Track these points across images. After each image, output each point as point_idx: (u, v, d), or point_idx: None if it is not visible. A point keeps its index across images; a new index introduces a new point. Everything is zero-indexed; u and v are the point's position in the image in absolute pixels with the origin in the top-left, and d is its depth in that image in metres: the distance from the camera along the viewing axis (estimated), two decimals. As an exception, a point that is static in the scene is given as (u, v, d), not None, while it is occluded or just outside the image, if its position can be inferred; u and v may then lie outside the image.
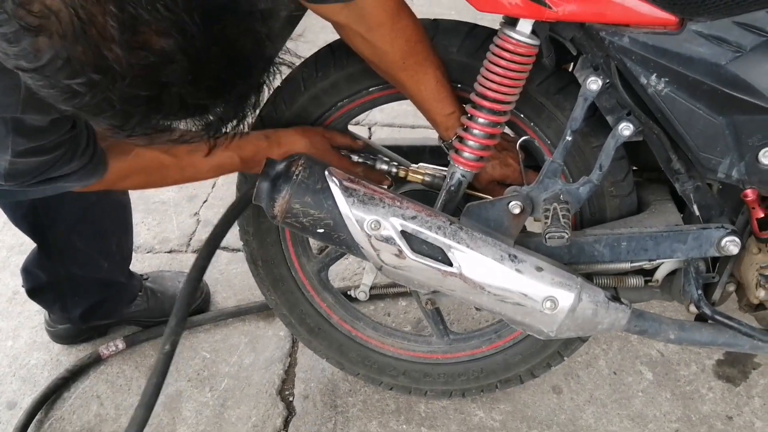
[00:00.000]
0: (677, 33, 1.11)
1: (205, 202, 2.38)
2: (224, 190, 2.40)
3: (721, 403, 1.72)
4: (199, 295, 2.03)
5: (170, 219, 2.32)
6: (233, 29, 0.77)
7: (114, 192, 1.72)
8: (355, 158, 1.44)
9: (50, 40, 0.70)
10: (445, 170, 1.35)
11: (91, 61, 0.72)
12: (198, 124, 0.87)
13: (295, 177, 1.20)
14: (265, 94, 0.93)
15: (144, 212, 2.33)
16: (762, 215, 1.23)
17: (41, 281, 1.82)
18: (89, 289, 1.84)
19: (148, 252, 2.22)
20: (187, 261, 2.17)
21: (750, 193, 1.20)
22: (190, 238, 2.26)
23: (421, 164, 1.47)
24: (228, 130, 0.90)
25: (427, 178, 1.42)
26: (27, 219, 1.68)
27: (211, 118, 0.86)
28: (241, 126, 0.91)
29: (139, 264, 2.14)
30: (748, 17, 1.09)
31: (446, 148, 1.37)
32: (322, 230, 1.22)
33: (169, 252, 2.22)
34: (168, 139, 0.90)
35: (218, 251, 2.15)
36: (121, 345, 1.91)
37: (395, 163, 1.44)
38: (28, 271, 1.83)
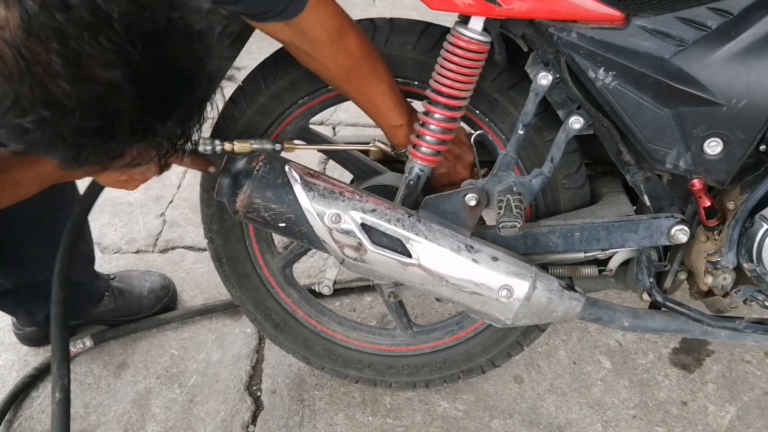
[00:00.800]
0: (623, 28, 1.15)
1: (170, 202, 2.39)
2: (189, 191, 2.41)
3: (676, 390, 1.77)
4: (165, 293, 2.04)
5: (137, 220, 2.32)
6: (174, 51, 0.79)
7: (67, 198, 1.73)
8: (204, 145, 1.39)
9: None
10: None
11: (40, 98, 0.72)
12: (148, 147, 0.88)
13: (255, 172, 1.22)
14: (211, 110, 0.95)
15: (111, 214, 2.33)
16: (709, 204, 1.27)
17: (2, 289, 1.82)
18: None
19: (115, 253, 2.22)
20: (153, 260, 2.18)
21: (697, 183, 1.24)
22: (157, 238, 2.26)
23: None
24: (177, 148, 0.92)
25: (256, 145, 1.38)
26: None
27: (160, 139, 0.87)
28: (188, 143, 0.93)
29: (106, 264, 2.15)
30: (689, 12, 1.13)
31: (397, 156, 1.41)
32: (283, 224, 1.24)
33: (136, 252, 2.23)
34: (121, 164, 0.90)
35: (185, 251, 2.19)
36: (88, 343, 1.91)
37: (218, 141, 1.37)
38: None
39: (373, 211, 1.24)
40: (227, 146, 1.36)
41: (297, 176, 1.23)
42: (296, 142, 1.45)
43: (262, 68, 1.42)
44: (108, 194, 2.33)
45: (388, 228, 1.24)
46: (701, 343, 1.86)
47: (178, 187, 2.45)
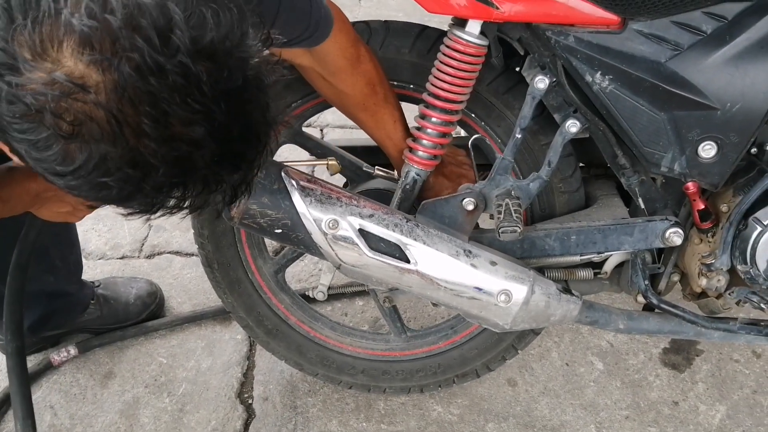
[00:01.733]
0: (620, 32, 1.16)
1: (157, 207, 2.36)
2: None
3: (667, 390, 1.78)
4: (152, 300, 2.02)
5: (121, 225, 2.28)
6: (248, 107, 0.80)
7: None
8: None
9: (83, 144, 0.71)
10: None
11: (127, 158, 0.73)
12: (213, 196, 0.89)
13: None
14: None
15: (94, 219, 2.29)
16: (702, 207, 1.28)
17: None
18: (37, 302, 1.81)
19: (99, 258, 2.19)
20: (139, 266, 2.15)
21: (691, 186, 1.25)
22: (142, 243, 2.23)
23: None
24: (239, 196, 0.93)
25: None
26: None
27: (226, 188, 0.87)
28: (248, 190, 0.94)
29: (91, 271, 2.12)
30: (685, 17, 1.14)
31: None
32: (279, 231, 1.23)
33: (122, 258, 2.19)
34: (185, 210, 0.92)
35: (172, 256, 2.16)
36: (73, 351, 1.88)
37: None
38: None
39: (371, 216, 1.23)
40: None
41: (293, 182, 1.22)
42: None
43: None
44: (91, 200, 2.32)
45: (386, 233, 1.23)
46: (691, 343, 1.88)
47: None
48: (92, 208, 1.40)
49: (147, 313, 2.01)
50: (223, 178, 0.83)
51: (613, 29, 1.16)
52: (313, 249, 1.25)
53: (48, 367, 1.88)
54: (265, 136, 0.89)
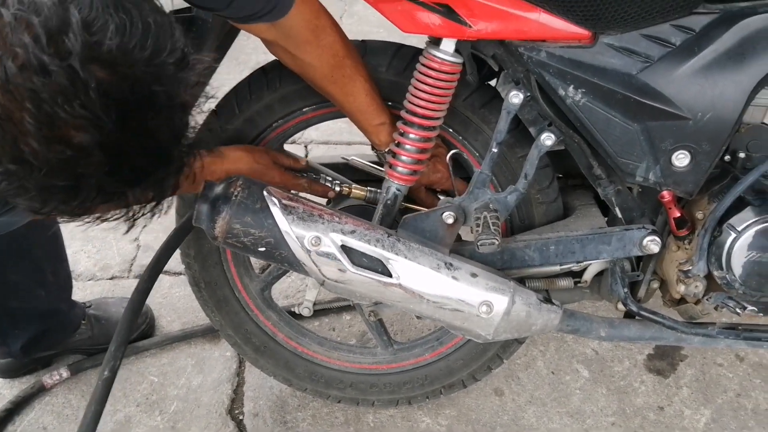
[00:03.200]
0: (591, 46, 1.19)
1: (144, 227, 2.36)
2: (162, 215, 2.39)
3: (653, 395, 1.81)
4: (143, 320, 2.03)
5: (110, 246, 2.30)
6: (152, 123, 0.80)
7: (43, 222, 1.72)
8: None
9: None
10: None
11: (9, 153, 0.74)
12: (118, 207, 0.90)
13: (234, 198, 1.23)
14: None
15: (83, 240, 2.31)
16: (678, 215, 1.31)
17: None
18: (29, 321, 1.83)
19: (89, 279, 2.21)
20: (129, 286, 2.15)
21: (666, 195, 1.28)
22: (131, 264, 2.25)
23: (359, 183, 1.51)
24: (147, 211, 0.93)
25: (369, 195, 1.47)
26: None
27: (131, 201, 0.88)
28: (161, 205, 0.94)
29: (81, 292, 2.13)
30: (654, 30, 1.17)
31: (379, 157, 1.43)
32: (263, 249, 1.25)
33: (111, 278, 2.21)
34: (87, 219, 0.92)
35: (161, 275, 2.17)
36: (65, 374, 1.89)
37: (338, 181, 1.48)
38: None
39: (353, 232, 1.25)
40: (345, 190, 1.47)
41: (276, 200, 1.23)
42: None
43: (234, 92, 1.44)
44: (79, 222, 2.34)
45: (368, 249, 1.25)
46: (675, 349, 1.91)
47: (152, 210, 2.43)
48: None
49: (138, 333, 2.02)
50: (123, 190, 0.84)
51: (584, 44, 1.19)
52: (297, 266, 1.27)
53: (40, 390, 1.89)
54: (177, 158, 0.89)
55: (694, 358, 1.89)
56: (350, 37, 1.33)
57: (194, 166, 0.99)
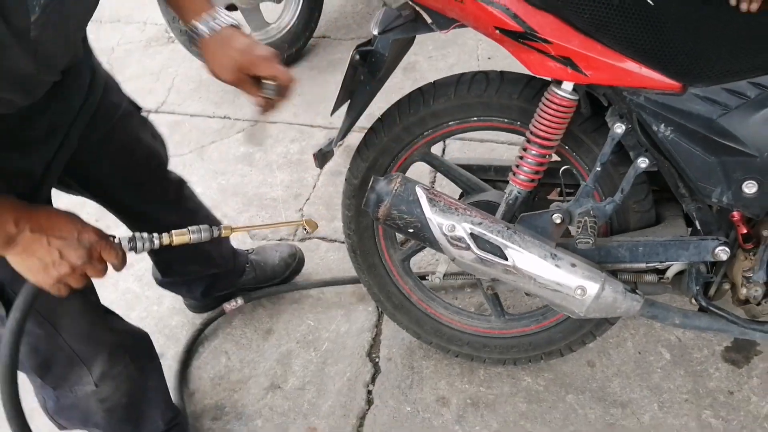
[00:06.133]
0: (680, 94, 1.45)
1: (307, 200, 2.86)
2: (323, 190, 2.88)
3: (725, 381, 2.06)
4: (293, 259, 2.47)
5: (279, 213, 2.79)
6: None
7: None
8: (116, 241, 1.38)
9: None
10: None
11: None
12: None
13: (394, 191, 1.63)
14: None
15: (258, 207, 2.82)
16: (745, 231, 1.59)
17: (168, 280, 2.26)
18: (202, 280, 2.27)
19: (263, 240, 2.70)
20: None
21: (736, 214, 1.55)
22: (296, 230, 2.74)
23: (188, 228, 1.50)
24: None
25: (194, 237, 1.48)
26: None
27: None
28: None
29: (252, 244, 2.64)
30: (733, 85, 1.42)
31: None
32: (412, 230, 1.64)
33: (279, 240, 2.70)
34: None
35: (319, 241, 2.63)
36: (240, 301, 2.37)
37: (157, 236, 1.45)
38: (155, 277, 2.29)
39: (480, 224, 1.63)
40: (165, 240, 1.45)
41: (424, 195, 1.63)
42: (235, 227, 1.58)
43: (397, 106, 1.83)
44: (256, 191, 2.85)
45: (491, 237, 1.62)
46: (751, 344, 2.13)
47: (314, 186, 2.92)
48: (71, 277, 1.29)
49: (289, 271, 2.47)
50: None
51: (675, 92, 1.45)
52: (436, 245, 1.66)
53: (221, 314, 2.39)
54: None
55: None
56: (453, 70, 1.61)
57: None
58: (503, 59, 3.12)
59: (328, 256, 2.60)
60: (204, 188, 2.98)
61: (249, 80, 1.47)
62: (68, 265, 1.24)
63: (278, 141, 3.23)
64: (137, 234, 1.42)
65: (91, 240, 1.27)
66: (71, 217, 1.29)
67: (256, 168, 3.10)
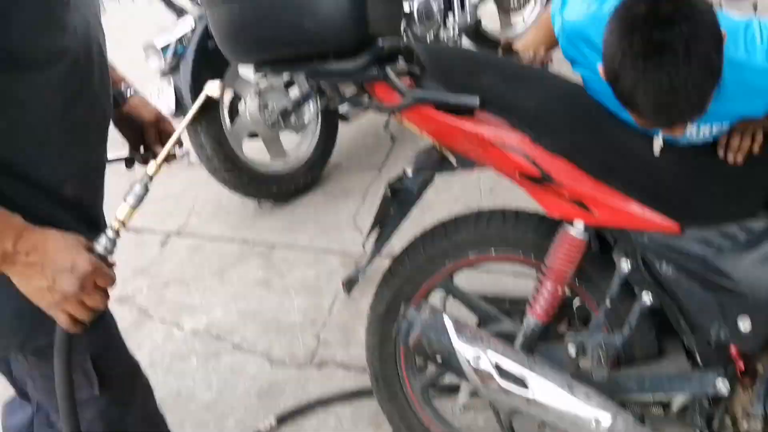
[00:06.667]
0: (680, 236, 1.62)
1: (324, 325, 2.97)
2: (338, 316, 3.00)
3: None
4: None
5: (297, 338, 2.90)
6: None
7: None
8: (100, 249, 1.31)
9: None
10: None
11: None
12: None
13: (424, 321, 1.77)
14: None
15: (276, 332, 2.93)
16: (743, 366, 1.70)
17: None
18: None
19: (281, 365, 2.80)
20: (311, 374, 2.73)
21: (733, 349, 1.68)
22: (314, 355, 2.84)
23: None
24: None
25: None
26: None
27: None
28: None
29: (272, 377, 2.72)
30: (727, 228, 1.60)
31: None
32: (440, 359, 1.77)
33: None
34: None
35: (335, 368, 2.71)
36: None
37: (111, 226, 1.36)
38: None
39: (503, 354, 1.76)
40: (116, 224, 1.35)
41: (452, 326, 1.76)
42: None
43: (422, 238, 1.98)
44: (274, 315, 2.98)
45: (513, 367, 1.73)
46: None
47: (329, 312, 3.04)
48: (68, 305, 1.24)
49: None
50: None
51: (675, 233, 1.62)
52: (461, 374, 1.76)
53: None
54: None
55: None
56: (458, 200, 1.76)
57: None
58: (505, 192, 3.38)
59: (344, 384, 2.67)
60: (225, 312, 3.09)
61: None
62: (61, 294, 1.22)
63: (295, 266, 3.38)
64: (102, 236, 1.33)
65: (85, 269, 1.24)
66: (71, 242, 1.26)
67: (274, 292, 3.22)
